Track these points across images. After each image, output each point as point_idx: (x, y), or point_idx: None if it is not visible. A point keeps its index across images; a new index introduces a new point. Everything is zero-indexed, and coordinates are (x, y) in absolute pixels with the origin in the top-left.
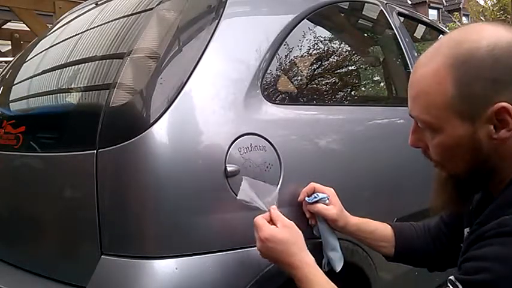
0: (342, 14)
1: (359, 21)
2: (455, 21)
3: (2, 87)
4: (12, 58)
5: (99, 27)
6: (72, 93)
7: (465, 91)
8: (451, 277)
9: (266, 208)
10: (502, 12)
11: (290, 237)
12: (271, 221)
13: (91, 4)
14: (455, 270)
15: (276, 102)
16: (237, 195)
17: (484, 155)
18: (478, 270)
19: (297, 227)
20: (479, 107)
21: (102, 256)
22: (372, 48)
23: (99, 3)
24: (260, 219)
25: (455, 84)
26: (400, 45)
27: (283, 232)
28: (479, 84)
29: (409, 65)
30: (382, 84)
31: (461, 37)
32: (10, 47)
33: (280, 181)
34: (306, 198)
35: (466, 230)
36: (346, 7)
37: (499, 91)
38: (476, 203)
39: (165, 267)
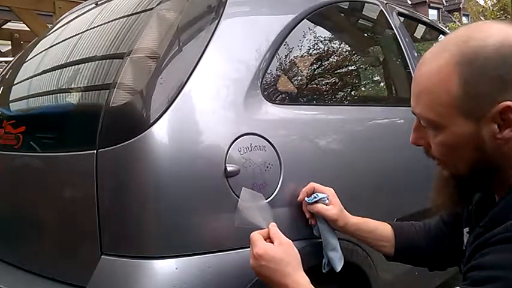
0: (342, 14)
1: (359, 21)
2: (455, 21)
3: (2, 87)
4: (12, 58)
5: (99, 27)
6: (72, 93)
7: (470, 89)
8: None
9: (265, 225)
10: (502, 12)
11: (284, 256)
12: (269, 239)
13: (91, 4)
14: (454, 269)
15: (276, 102)
16: (236, 195)
17: (487, 154)
18: (488, 280)
19: (294, 246)
20: (484, 105)
21: (102, 256)
22: (372, 48)
23: (99, 3)
24: (256, 235)
25: (461, 82)
26: (400, 45)
27: (278, 250)
28: (485, 83)
29: (409, 65)
30: (382, 84)
31: (468, 35)
32: (10, 47)
33: (280, 181)
34: (306, 199)
35: (466, 230)
36: (346, 7)
37: (505, 90)
38: (476, 203)
39: (165, 267)
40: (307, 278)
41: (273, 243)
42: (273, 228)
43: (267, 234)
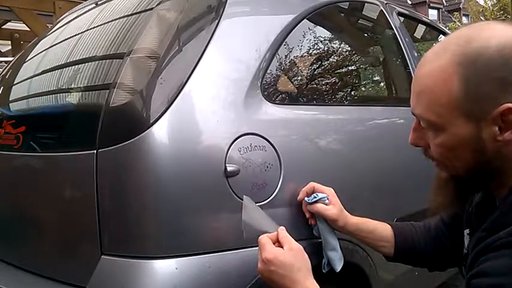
0: (342, 14)
1: (359, 21)
2: (455, 21)
3: (2, 87)
4: (12, 58)
5: (99, 27)
6: (72, 93)
7: (472, 90)
8: None
9: (273, 230)
10: (502, 12)
11: (295, 262)
12: (278, 243)
13: (91, 4)
14: (454, 269)
15: (276, 102)
16: (236, 195)
17: (486, 156)
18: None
19: (304, 252)
20: (485, 107)
21: (102, 256)
22: (372, 48)
23: (99, 3)
24: (265, 238)
25: (462, 83)
26: (400, 45)
27: (288, 255)
28: (487, 84)
29: (409, 65)
30: (382, 84)
31: (471, 35)
32: (10, 47)
33: (280, 181)
34: (306, 199)
35: (466, 232)
36: (346, 7)
37: (506, 92)
38: (476, 205)
39: (165, 267)
40: (317, 285)
41: (281, 247)
42: (282, 232)
43: (275, 238)
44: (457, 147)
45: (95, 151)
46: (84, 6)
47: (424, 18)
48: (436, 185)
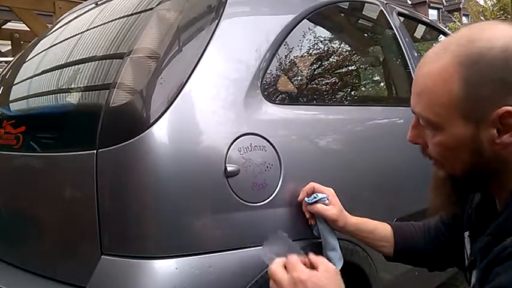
0: (342, 14)
1: (359, 21)
2: (455, 21)
3: (2, 87)
4: (12, 58)
5: (99, 27)
6: (72, 93)
7: (472, 91)
8: None
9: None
10: (502, 12)
11: (329, 285)
12: (309, 261)
13: (91, 4)
14: (454, 269)
15: (276, 102)
16: (236, 195)
17: (484, 158)
18: None
19: (340, 276)
20: (484, 109)
21: (102, 256)
22: (372, 48)
23: (99, 3)
24: (294, 257)
25: (463, 83)
26: (400, 45)
27: (323, 277)
28: (488, 86)
29: (409, 65)
30: (382, 84)
31: (473, 35)
32: (10, 47)
33: (280, 181)
34: (306, 199)
35: (466, 234)
36: (346, 7)
37: (506, 94)
38: (476, 206)
39: (165, 267)
40: None
41: (315, 269)
42: (314, 256)
43: (303, 258)
44: (455, 147)
45: (95, 151)
46: (84, 6)
47: (424, 18)
48: (433, 185)
